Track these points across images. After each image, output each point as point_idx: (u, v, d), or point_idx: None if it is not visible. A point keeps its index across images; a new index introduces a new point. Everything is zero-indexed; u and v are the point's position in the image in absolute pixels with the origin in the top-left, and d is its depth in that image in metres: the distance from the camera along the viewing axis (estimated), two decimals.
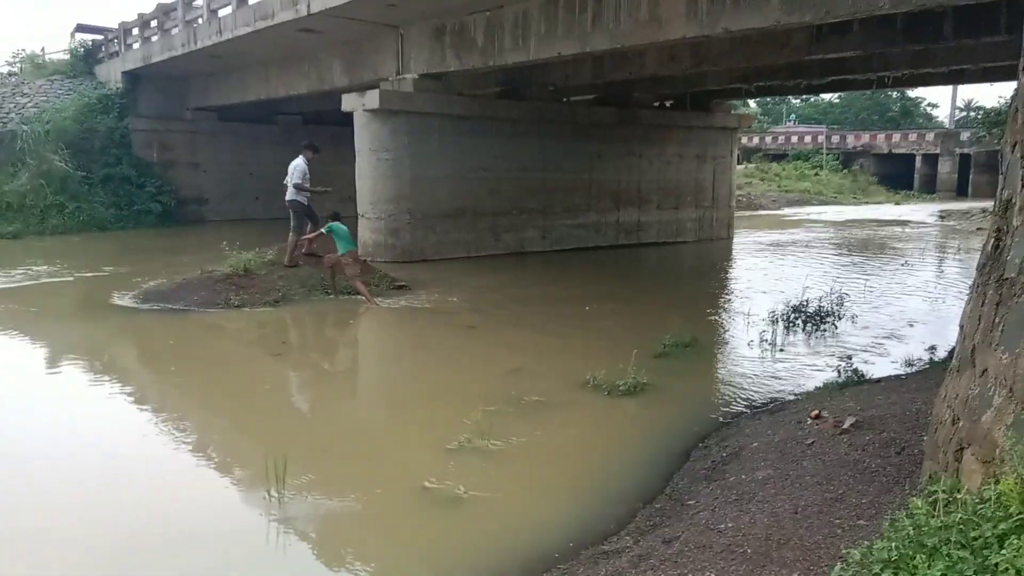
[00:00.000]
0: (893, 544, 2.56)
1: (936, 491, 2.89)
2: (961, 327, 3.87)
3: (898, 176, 46.09)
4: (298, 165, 11.40)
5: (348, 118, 14.74)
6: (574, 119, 17.36)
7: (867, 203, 39.03)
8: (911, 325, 9.80)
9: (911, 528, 2.64)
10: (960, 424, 3.48)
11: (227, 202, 23.11)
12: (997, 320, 3.30)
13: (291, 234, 11.45)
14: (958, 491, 2.90)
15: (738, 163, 26.12)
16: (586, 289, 12.71)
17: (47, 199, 19.30)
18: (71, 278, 12.89)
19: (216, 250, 11.65)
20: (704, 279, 14.72)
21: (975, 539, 2.44)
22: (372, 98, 14.07)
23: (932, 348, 8.29)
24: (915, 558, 2.41)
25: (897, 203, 39.53)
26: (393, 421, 6.56)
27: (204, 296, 10.27)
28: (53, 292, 11.95)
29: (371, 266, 12.35)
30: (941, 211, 33.15)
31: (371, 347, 9.75)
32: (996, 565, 2.19)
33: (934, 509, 2.75)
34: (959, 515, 2.61)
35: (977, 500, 2.68)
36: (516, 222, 16.31)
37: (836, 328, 9.25)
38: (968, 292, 4.01)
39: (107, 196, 20.35)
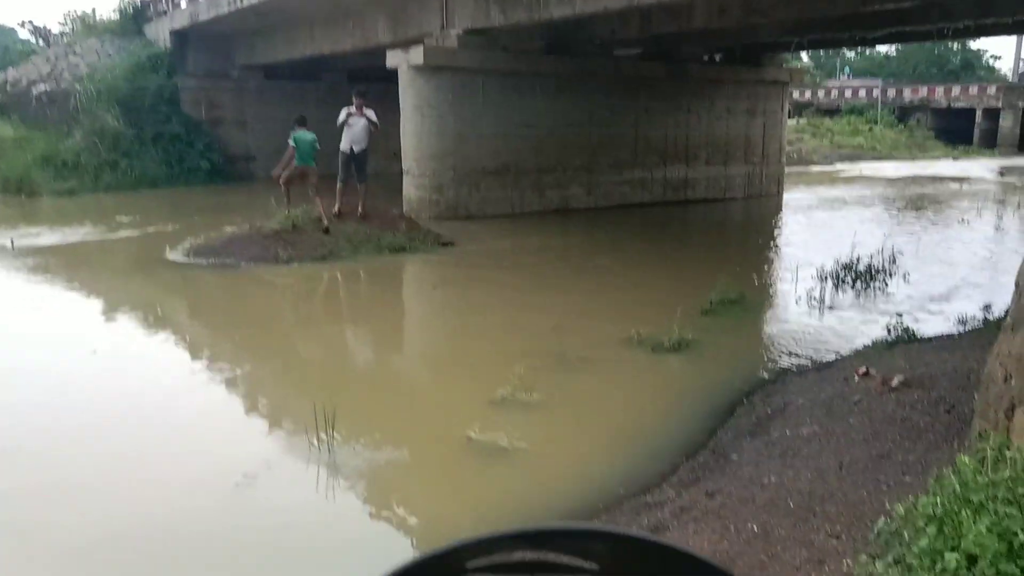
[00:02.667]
0: (939, 500, 2.54)
1: (985, 448, 2.84)
2: (1017, 284, 3.77)
3: (957, 131, 44.49)
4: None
5: (393, 75, 14.70)
6: (621, 74, 17.06)
7: (923, 159, 37.83)
8: (966, 284, 9.57)
9: (958, 484, 2.61)
10: (1013, 382, 3.41)
11: (274, 159, 22.99)
12: None
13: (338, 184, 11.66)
14: (1007, 449, 2.86)
15: (789, 118, 25.45)
16: (631, 246, 12.62)
17: (101, 157, 19.69)
18: (125, 234, 13.21)
19: (264, 206, 11.81)
20: (752, 236, 14.51)
21: (1023, 496, 2.41)
22: (416, 54, 14.00)
23: (987, 307, 8.05)
24: (960, 513, 2.39)
25: (955, 159, 38.21)
26: (437, 375, 6.65)
27: (253, 251, 10.45)
28: (108, 248, 12.28)
29: (416, 222, 12.43)
30: (1002, 167, 31.98)
31: (416, 303, 9.86)
32: None
33: (982, 466, 2.71)
34: (1008, 473, 2.57)
35: None
36: (560, 179, 16.19)
37: (887, 286, 9.07)
38: None
39: (158, 153, 20.65)
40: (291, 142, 10.98)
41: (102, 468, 4.51)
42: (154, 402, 5.65)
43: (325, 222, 10.93)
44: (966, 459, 2.70)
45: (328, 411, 4.77)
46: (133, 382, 6.10)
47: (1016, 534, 2.14)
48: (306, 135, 11.02)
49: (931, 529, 2.43)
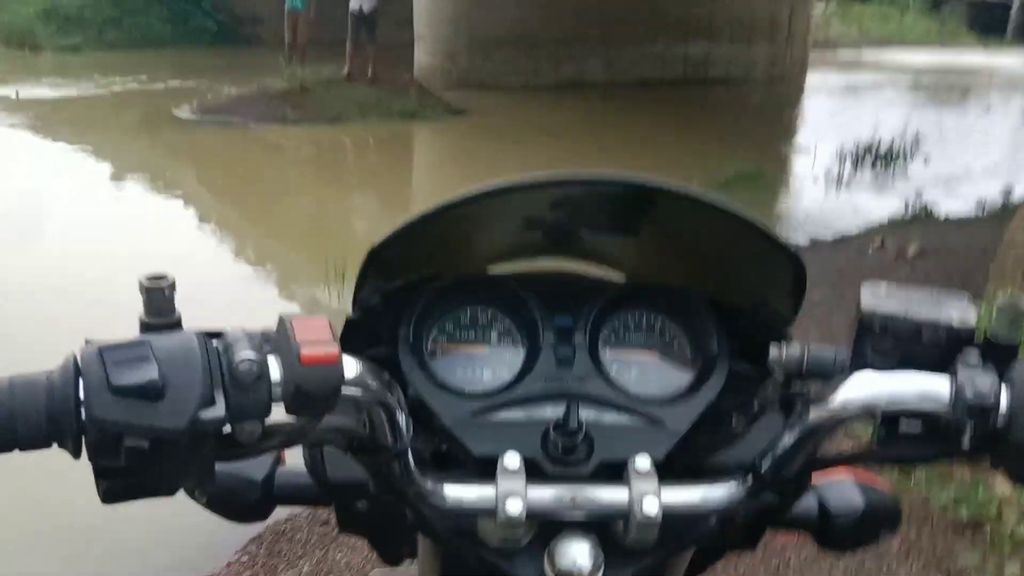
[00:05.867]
0: None
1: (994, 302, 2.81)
2: None
3: (991, 22, 42.54)
4: None
5: None
6: None
7: (954, 49, 36.48)
8: (987, 169, 9.35)
9: None
10: None
11: (283, 23, 22.53)
12: None
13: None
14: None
15: (819, 1, 24.38)
16: (649, 120, 12.31)
17: (104, 13, 19.09)
18: (131, 90, 12.94)
19: (272, 68, 11.50)
20: (773, 116, 14.15)
21: None
22: None
23: (1007, 191, 7.93)
24: None
25: (987, 49, 36.84)
26: None
27: (261, 111, 10.24)
28: (114, 103, 12.05)
29: (427, 90, 12.12)
30: None
31: (426, 168, 9.75)
32: None
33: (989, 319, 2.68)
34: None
35: None
36: (577, 51, 15.63)
37: (907, 168, 8.90)
38: None
39: (163, 12, 20.04)
40: None
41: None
42: (166, 250, 5.64)
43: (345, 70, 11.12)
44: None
45: (339, 266, 4.76)
46: (145, 242, 6.05)
47: None
48: None
49: None
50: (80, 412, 0.44)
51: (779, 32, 18.88)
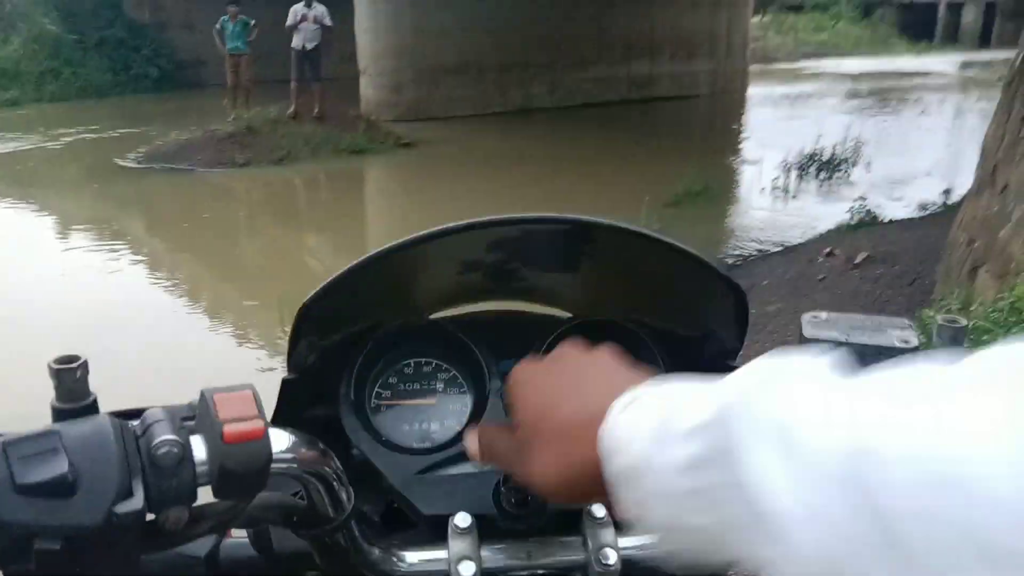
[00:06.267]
0: None
1: (947, 303, 2.88)
2: (983, 149, 3.77)
3: (920, 26, 44.05)
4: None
5: None
6: None
7: (886, 55, 37.60)
8: (926, 171, 9.61)
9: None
10: (976, 244, 3.44)
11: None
12: (1022, 134, 3.19)
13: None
14: (971, 304, 2.89)
15: (754, 14, 24.95)
16: (596, 143, 12.43)
17: (41, 64, 18.77)
18: (72, 143, 12.70)
19: (218, 111, 11.41)
20: (718, 131, 14.41)
21: (984, 342, 2.44)
22: None
23: (947, 191, 8.14)
24: None
25: (918, 54, 38.03)
26: None
27: (208, 155, 10.12)
28: (62, 157, 11.81)
29: (376, 123, 12.12)
30: (963, 62, 31.92)
31: (377, 205, 9.71)
32: None
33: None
34: (971, 323, 2.60)
35: (991, 309, 2.67)
36: (523, 76, 15.79)
37: (850, 175, 9.10)
38: (993, 114, 3.88)
39: (102, 60, 19.74)
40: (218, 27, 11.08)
41: None
42: (122, 296, 5.53)
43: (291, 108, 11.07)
44: (929, 311, 2.73)
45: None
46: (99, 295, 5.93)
47: None
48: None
49: None
50: None
51: (718, 46, 19.30)
